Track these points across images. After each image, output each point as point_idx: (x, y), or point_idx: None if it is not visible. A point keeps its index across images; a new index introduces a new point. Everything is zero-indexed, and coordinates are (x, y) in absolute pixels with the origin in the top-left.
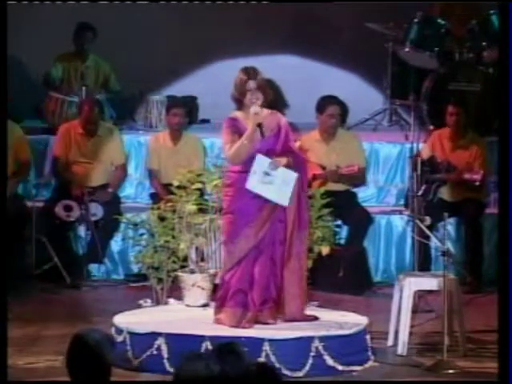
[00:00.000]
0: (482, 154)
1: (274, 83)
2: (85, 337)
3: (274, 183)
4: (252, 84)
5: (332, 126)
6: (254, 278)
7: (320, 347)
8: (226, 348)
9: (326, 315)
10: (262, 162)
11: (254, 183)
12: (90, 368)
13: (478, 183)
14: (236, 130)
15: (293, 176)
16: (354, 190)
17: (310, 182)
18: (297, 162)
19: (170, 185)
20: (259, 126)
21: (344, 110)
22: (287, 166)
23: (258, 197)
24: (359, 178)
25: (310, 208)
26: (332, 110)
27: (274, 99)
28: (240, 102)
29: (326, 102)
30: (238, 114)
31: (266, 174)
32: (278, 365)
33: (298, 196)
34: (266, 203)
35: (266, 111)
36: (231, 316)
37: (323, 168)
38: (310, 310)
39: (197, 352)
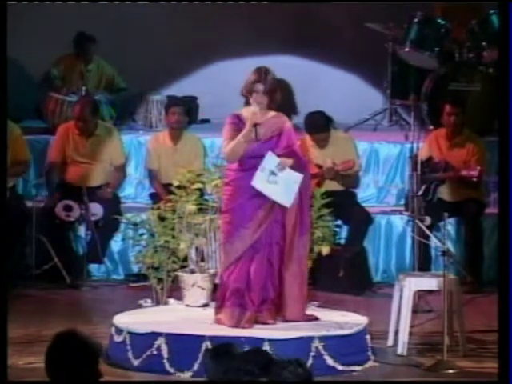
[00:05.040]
0: (479, 150)
1: (287, 86)
2: (72, 332)
3: (279, 184)
4: (259, 87)
5: (322, 139)
6: (251, 277)
7: (320, 347)
8: (221, 349)
9: (326, 315)
10: (271, 160)
11: (259, 181)
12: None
13: (475, 179)
14: (237, 127)
15: (297, 178)
16: (354, 189)
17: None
18: (299, 165)
19: (170, 185)
20: (255, 126)
21: (327, 121)
22: (291, 168)
23: (255, 197)
24: (354, 179)
25: (310, 208)
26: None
27: (283, 102)
28: (247, 99)
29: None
30: (244, 111)
31: (273, 173)
32: None
33: (300, 199)
34: (264, 204)
35: (270, 113)
36: (229, 316)
37: (320, 167)
38: (310, 310)
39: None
